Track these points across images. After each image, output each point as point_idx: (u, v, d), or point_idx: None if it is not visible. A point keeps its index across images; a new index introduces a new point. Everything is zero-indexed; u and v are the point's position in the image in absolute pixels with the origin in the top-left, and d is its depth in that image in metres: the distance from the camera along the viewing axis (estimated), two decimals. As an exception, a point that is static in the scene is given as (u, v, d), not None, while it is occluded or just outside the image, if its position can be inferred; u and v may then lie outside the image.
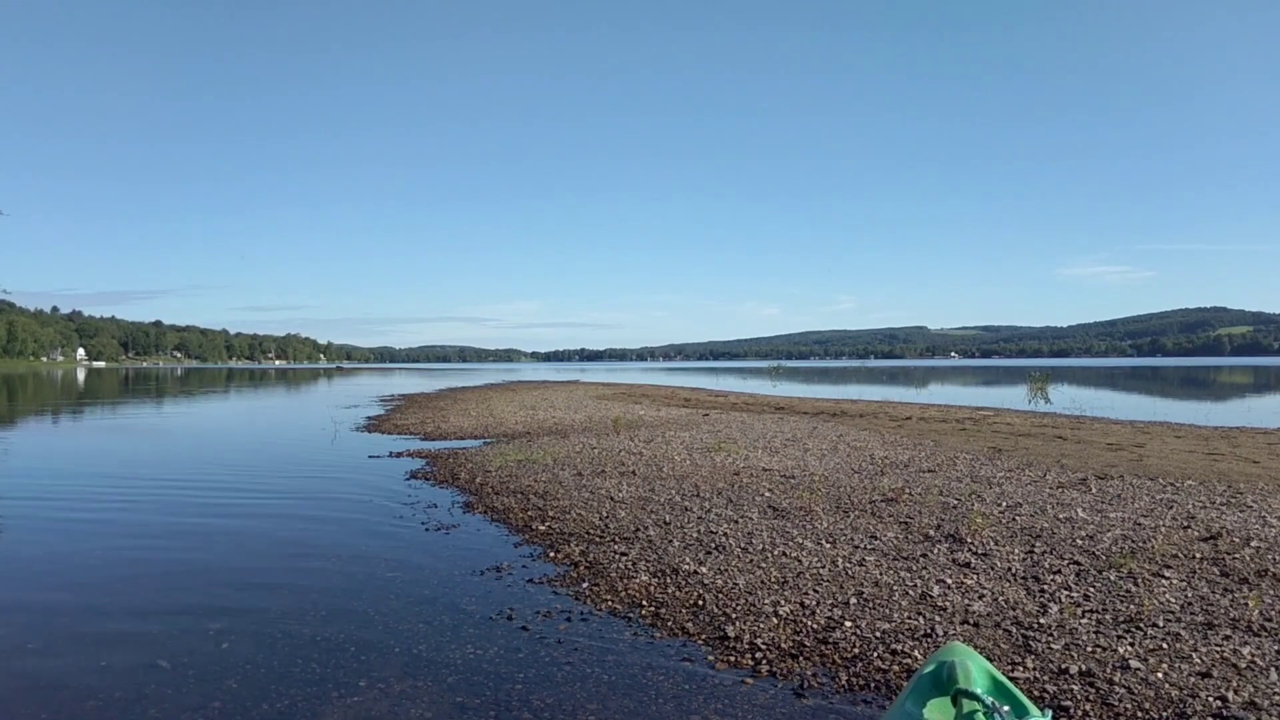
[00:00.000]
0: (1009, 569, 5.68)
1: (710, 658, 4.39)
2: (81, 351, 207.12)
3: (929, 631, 4.54)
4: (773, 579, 5.61)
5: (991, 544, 6.34)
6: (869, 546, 6.37)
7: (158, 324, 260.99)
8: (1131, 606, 4.82)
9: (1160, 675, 3.88)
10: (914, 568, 5.77)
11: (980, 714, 2.28)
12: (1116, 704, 3.63)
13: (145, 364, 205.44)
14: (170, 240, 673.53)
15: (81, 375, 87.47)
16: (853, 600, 5.12)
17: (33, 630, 5.02)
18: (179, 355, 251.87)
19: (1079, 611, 4.77)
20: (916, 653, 4.27)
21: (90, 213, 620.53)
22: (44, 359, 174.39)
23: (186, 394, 41.04)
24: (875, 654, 4.30)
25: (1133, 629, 4.46)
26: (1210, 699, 3.62)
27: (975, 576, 5.52)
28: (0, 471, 12.51)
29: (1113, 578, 5.40)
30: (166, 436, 18.38)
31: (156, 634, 4.91)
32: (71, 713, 3.88)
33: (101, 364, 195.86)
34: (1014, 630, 4.53)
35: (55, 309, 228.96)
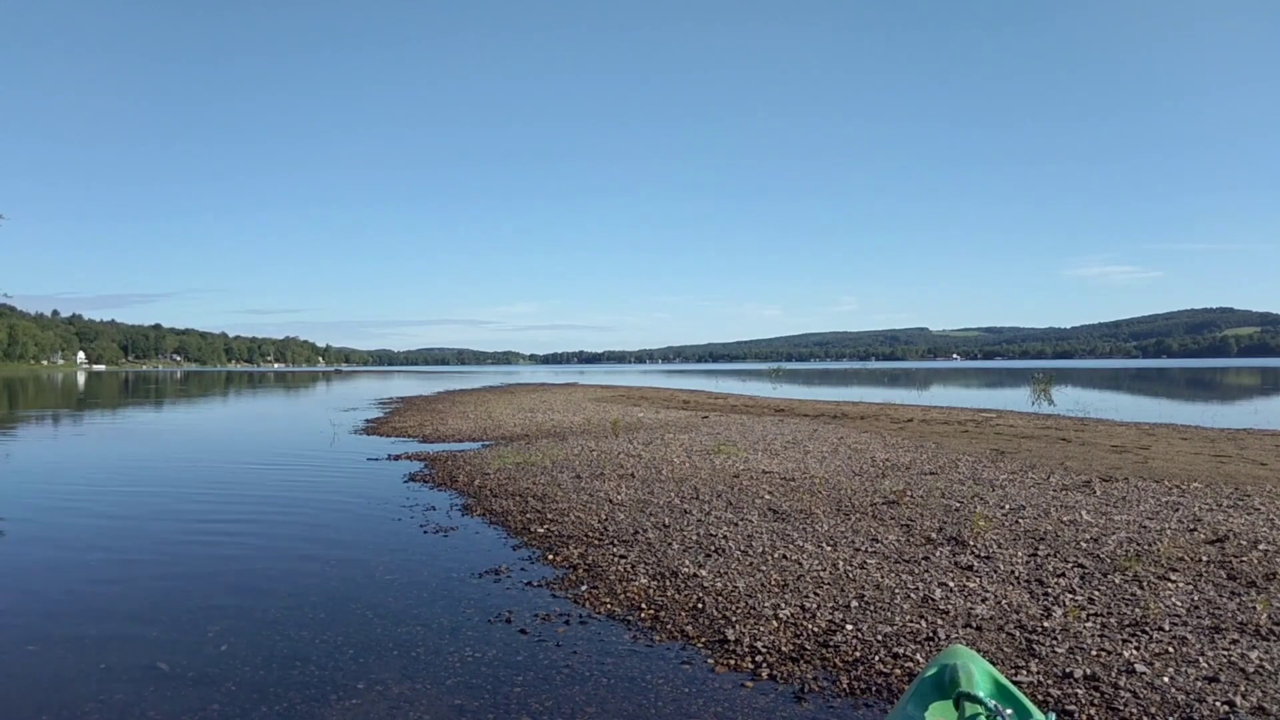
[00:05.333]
0: (1012, 572, 5.64)
1: (710, 661, 4.36)
2: (81, 355, 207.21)
3: (931, 635, 4.50)
4: (773, 582, 5.57)
5: (994, 547, 6.29)
6: (870, 549, 6.33)
7: (157, 327, 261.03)
8: (1137, 610, 4.78)
9: (1166, 679, 3.84)
10: (916, 570, 5.73)
11: (983, 717, 2.26)
12: (1121, 708, 3.59)
13: (145, 367, 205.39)
14: (170, 243, 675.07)
15: (82, 379, 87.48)
16: (854, 603, 5.08)
17: (32, 632, 4.99)
18: (178, 358, 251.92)
19: (1083, 615, 4.73)
20: (918, 656, 4.23)
21: (90, 216, 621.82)
22: (44, 362, 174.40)
23: (186, 397, 41.02)
24: (877, 657, 4.26)
25: (1138, 632, 4.42)
26: (1217, 703, 3.58)
27: (978, 579, 5.48)
28: (1, 475, 12.49)
29: (1117, 581, 5.35)
30: (166, 440, 18.35)
31: (155, 636, 4.88)
32: (71, 714, 3.85)
33: (101, 367, 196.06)
34: (1017, 633, 4.49)
35: (55, 312, 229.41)
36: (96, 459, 14.37)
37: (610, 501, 8.54)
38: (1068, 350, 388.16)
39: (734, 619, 4.90)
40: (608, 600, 5.40)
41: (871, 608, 4.99)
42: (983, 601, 5.03)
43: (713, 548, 6.50)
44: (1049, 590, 5.21)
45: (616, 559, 6.33)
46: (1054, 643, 4.32)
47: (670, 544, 6.68)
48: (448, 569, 6.33)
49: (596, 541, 6.92)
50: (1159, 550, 6.05)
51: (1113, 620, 4.63)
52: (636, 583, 5.71)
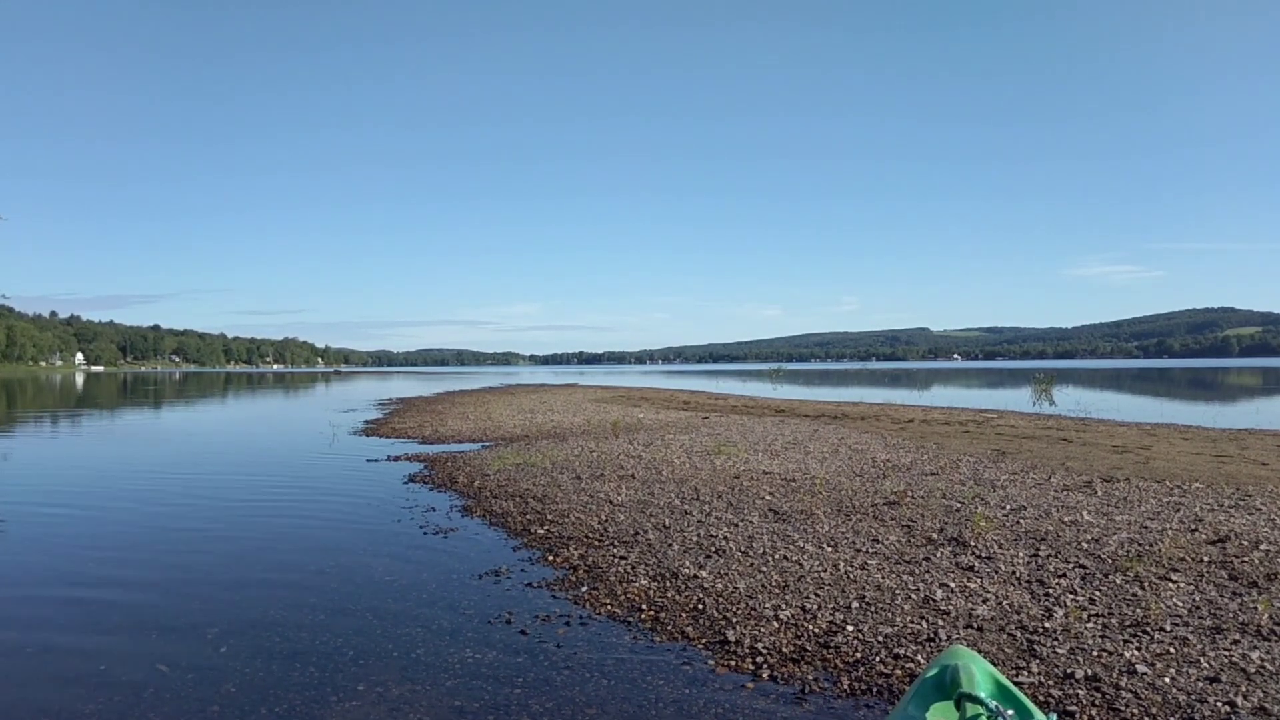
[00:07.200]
0: (1013, 572, 5.64)
1: (710, 662, 4.35)
2: (80, 356, 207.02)
3: (932, 635, 4.50)
4: (774, 583, 5.57)
5: (995, 547, 6.29)
6: (871, 550, 6.33)
7: (156, 328, 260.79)
8: (1138, 610, 4.77)
9: (1167, 680, 3.83)
10: (917, 571, 5.72)
11: (984, 718, 2.25)
12: (1123, 709, 3.58)
13: (144, 368, 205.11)
14: (169, 243, 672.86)
15: (80, 380, 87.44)
16: (855, 604, 5.07)
17: (32, 633, 4.99)
18: (177, 359, 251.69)
19: (1084, 615, 4.72)
20: (919, 657, 4.23)
21: (88, 216, 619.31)
22: (43, 363, 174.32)
23: (185, 398, 41.00)
24: (878, 658, 4.26)
25: (1139, 633, 4.41)
26: (1218, 704, 3.57)
27: (979, 580, 5.48)
28: (1, 476, 12.48)
29: (1119, 581, 5.35)
30: (165, 441, 18.34)
31: (155, 638, 4.87)
32: (71, 716, 3.85)
33: (100, 368, 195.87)
34: (1018, 634, 4.48)
35: (54, 313, 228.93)
36: (93, 461, 14.35)
37: (610, 502, 8.53)
38: (1069, 350, 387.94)
39: (735, 620, 4.89)
40: (608, 601, 5.39)
41: (872, 608, 4.98)
42: (984, 602, 5.02)
43: (713, 549, 6.49)
44: (1050, 591, 5.20)
45: (617, 560, 6.32)
46: (1055, 643, 4.31)
47: (671, 545, 6.67)
48: (448, 570, 6.32)
49: (597, 542, 6.91)
50: (1160, 551, 6.04)
51: (1114, 621, 4.62)
52: (637, 584, 5.70)
